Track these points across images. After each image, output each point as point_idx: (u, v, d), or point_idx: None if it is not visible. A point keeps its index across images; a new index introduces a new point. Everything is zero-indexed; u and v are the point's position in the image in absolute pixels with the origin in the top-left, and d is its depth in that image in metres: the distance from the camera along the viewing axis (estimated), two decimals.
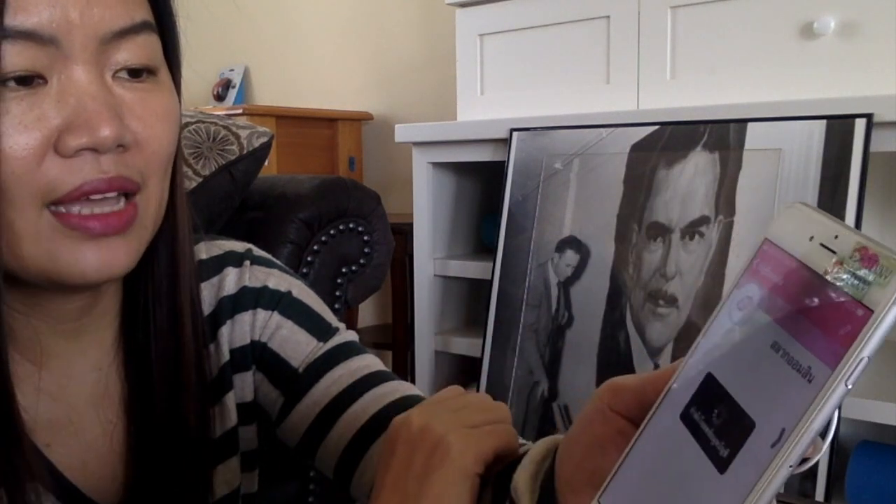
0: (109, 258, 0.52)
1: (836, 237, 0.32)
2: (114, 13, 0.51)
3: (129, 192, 0.53)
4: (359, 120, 2.93)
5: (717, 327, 0.37)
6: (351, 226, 1.24)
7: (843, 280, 0.31)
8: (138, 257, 0.55)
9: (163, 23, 0.57)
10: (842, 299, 0.31)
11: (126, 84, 0.53)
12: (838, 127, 1.37)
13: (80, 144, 0.49)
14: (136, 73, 0.53)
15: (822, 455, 0.34)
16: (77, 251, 0.51)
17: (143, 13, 0.53)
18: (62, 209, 0.51)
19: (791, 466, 0.31)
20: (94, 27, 0.50)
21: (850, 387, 0.30)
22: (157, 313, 0.61)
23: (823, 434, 0.32)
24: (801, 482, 1.31)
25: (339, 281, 1.25)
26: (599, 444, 0.40)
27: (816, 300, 0.32)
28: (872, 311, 0.29)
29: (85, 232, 0.51)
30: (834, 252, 0.32)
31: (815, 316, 0.32)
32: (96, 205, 0.52)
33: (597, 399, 0.41)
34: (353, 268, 1.26)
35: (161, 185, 0.56)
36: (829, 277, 0.32)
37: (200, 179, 1.12)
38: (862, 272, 0.30)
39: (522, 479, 0.46)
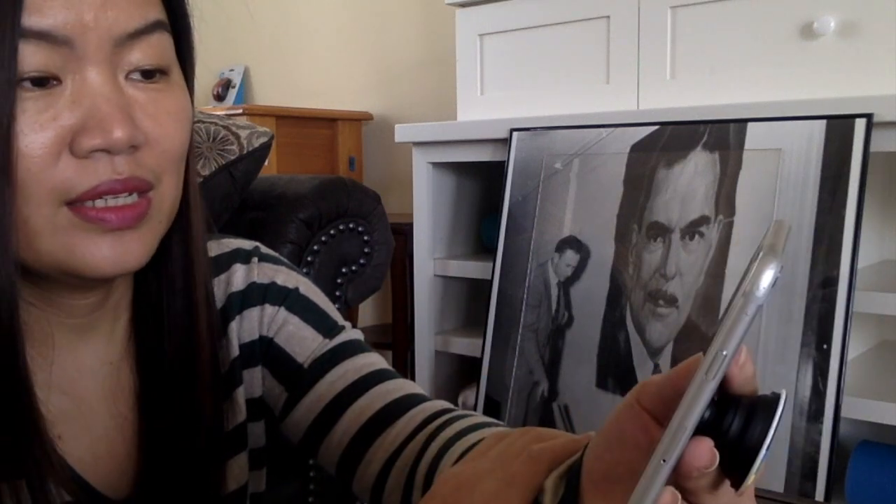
0: (124, 252, 0.53)
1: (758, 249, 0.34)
2: (128, 14, 0.52)
3: (142, 191, 0.54)
4: (359, 120, 2.93)
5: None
6: (351, 226, 1.24)
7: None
8: (152, 251, 0.56)
9: (176, 21, 0.57)
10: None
11: (139, 85, 0.53)
12: (838, 127, 1.37)
13: (93, 146, 0.50)
14: (148, 73, 0.54)
15: (758, 471, 0.35)
16: (93, 245, 0.52)
17: (157, 13, 0.54)
18: (78, 204, 0.52)
19: (665, 461, 0.33)
20: (108, 29, 0.51)
21: (709, 378, 0.33)
22: (171, 308, 0.62)
23: (756, 445, 0.34)
24: (802, 482, 1.31)
25: (339, 281, 1.25)
26: (621, 439, 0.40)
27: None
28: None
29: (102, 225, 0.52)
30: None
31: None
32: (110, 200, 0.53)
33: (629, 395, 0.41)
34: (353, 268, 1.26)
35: (174, 182, 0.57)
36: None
37: (200, 179, 1.12)
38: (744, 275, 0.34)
39: (550, 477, 0.46)
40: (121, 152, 0.51)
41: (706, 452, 0.34)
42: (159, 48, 0.54)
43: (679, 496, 0.35)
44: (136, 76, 0.53)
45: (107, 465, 0.61)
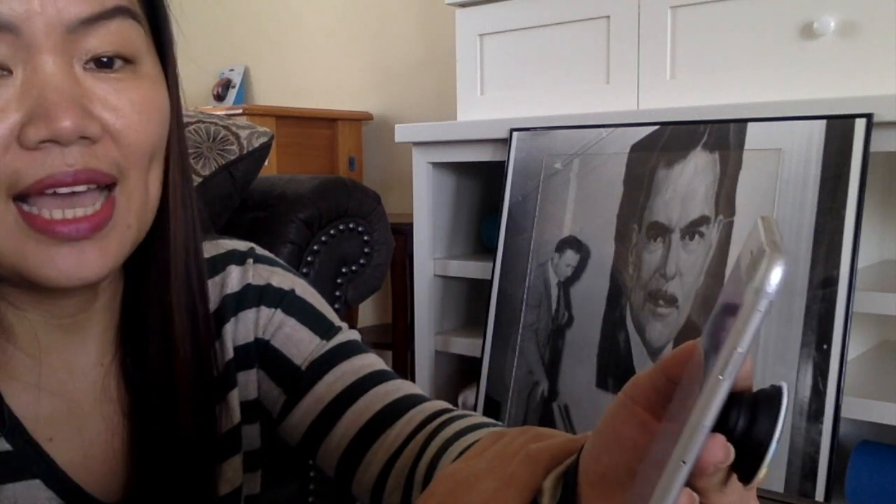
0: (78, 264, 0.51)
1: (760, 246, 0.34)
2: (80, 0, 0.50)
3: (103, 186, 0.52)
4: (359, 120, 2.93)
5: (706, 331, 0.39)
6: (351, 226, 1.24)
7: (746, 283, 0.33)
8: (118, 260, 0.54)
9: (151, 12, 0.56)
10: (738, 301, 0.33)
11: (99, 75, 0.51)
12: (838, 127, 1.37)
13: (39, 136, 0.48)
14: (109, 62, 0.52)
15: (765, 471, 0.35)
16: (45, 255, 0.50)
17: None
18: (34, 210, 0.50)
19: (684, 462, 0.33)
20: (57, 15, 0.49)
21: (723, 378, 0.32)
22: (150, 312, 0.61)
23: (766, 438, 0.34)
24: (801, 482, 1.31)
25: (339, 281, 1.25)
26: (618, 441, 0.40)
27: (733, 304, 0.34)
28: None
29: (52, 236, 0.50)
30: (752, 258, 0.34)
31: (727, 320, 0.34)
32: (67, 203, 0.50)
33: (621, 394, 0.40)
34: (353, 268, 1.26)
35: (143, 178, 0.54)
36: (743, 281, 0.34)
37: (200, 179, 1.12)
38: (750, 272, 0.33)
39: (549, 477, 0.46)
40: (70, 143, 0.49)
41: (721, 448, 0.34)
42: (120, 35, 0.52)
43: (696, 497, 0.35)
44: (96, 65, 0.51)
45: (99, 467, 0.61)
